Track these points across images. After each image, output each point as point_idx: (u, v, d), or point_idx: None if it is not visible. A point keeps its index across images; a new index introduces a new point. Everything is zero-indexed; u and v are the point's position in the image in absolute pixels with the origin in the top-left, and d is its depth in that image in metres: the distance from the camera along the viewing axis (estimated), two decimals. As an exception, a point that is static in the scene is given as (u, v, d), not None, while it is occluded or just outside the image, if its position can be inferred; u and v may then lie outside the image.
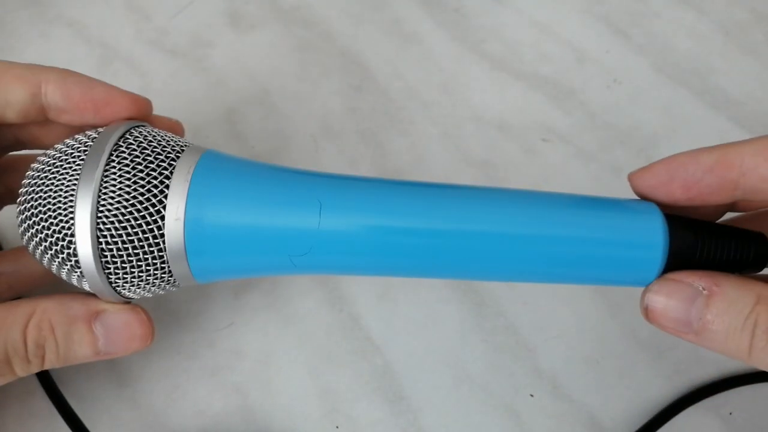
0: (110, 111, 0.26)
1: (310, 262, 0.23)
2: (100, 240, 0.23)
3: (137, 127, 0.25)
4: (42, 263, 0.24)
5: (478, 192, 0.24)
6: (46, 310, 0.24)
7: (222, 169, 0.24)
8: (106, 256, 0.23)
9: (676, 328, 0.23)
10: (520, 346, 0.33)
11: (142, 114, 0.27)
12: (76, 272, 0.23)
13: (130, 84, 0.42)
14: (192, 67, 0.43)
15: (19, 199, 0.24)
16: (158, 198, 0.23)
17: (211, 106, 0.41)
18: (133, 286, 0.24)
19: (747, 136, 0.40)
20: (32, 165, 0.24)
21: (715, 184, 0.23)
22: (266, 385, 0.32)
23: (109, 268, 0.23)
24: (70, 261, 0.23)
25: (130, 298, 0.25)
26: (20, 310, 0.24)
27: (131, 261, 0.23)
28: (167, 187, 0.23)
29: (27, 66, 0.26)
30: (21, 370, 0.25)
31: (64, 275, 0.24)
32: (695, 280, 0.22)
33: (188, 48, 0.44)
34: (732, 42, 0.43)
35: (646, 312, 0.23)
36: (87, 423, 0.31)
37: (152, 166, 0.23)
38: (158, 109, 0.43)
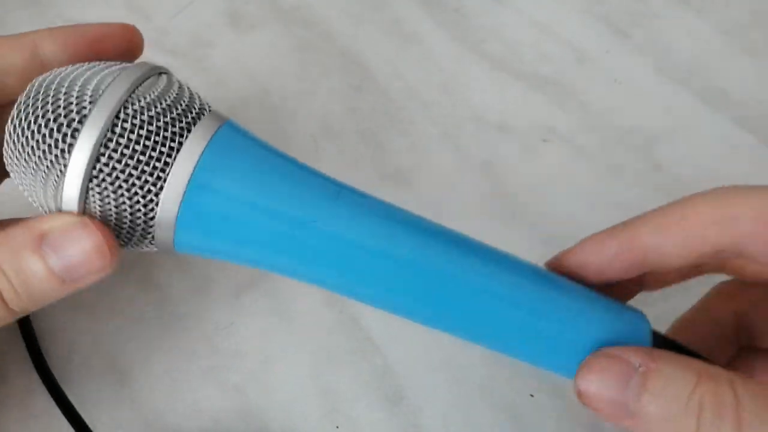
0: (107, 45, 0.27)
1: (290, 263, 0.23)
2: (109, 140, 0.21)
3: (165, 74, 0.25)
4: (13, 148, 0.22)
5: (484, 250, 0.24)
6: None
7: (236, 152, 0.23)
8: (104, 157, 0.21)
9: (612, 412, 0.20)
10: (520, 346, 0.33)
11: (134, 42, 0.28)
12: (61, 161, 0.22)
13: (130, 84, 0.42)
14: (192, 67, 0.43)
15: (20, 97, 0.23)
16: (167, 155, 0.22)
17: (211, 105, 0.41)
18: (109, 203, 0.22)
19: (747, 136, 0.40)
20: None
21: (624, 267, 0.23)
22: (266, 385, 0.32)
23: (97, 175, 0.22)
24: (64, 144, 0.21)
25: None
26: None
27: (125, 177, 0.22)
28: (178, 150, 0.22)
29: (18, 35, 0.26)
30: None
31: (35, 160, 0.22)
32: (630, 355, 0.20)
33: (188, 48, 0.44)
34: (732, 42, 0.43)
35: (579, 395, 0.21)
36: (87, 423, 0.31)
37: (169, 121, 0.23)
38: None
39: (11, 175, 0.24)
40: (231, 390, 0.32)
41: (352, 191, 0.24)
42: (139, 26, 0.45)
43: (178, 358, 0.33)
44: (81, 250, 0.22)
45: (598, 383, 0.20)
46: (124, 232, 0.24)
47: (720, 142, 0.40)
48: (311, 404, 0.32)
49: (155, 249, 0.24)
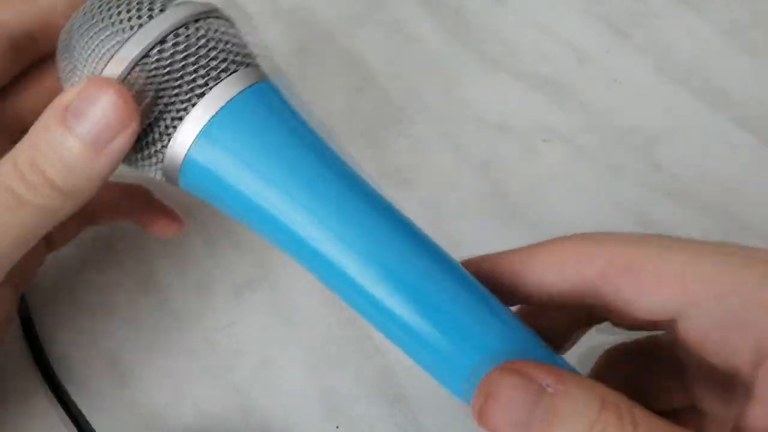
0: None
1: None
2: (176, 35, 0.23)
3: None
4: (83, 16, 0.24)
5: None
6: (28, 135, 0.23)
7: (256, 114, 0.24)
8: (165, 45, 0.23)
9: None
10: (520, 346, 0.33)
11: None
12: (135, 23, 0.23)
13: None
14: (192, 67, 0.43)
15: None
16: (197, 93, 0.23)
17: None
18: (147, 89, 0.23)
19: (747, 136, 0.40)
20: None
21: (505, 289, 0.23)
22: (266, 385, 0.32)
23: (150, 57, 0.23)
24: (142, 16, 0.23)
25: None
26: (13, 151, 0.23)
27: (171, 76, 0.23)
28: (215, 84, 0.23)
29: None
30: (33, 198, 0.23)
31: (108, 19, 0.23)
32: (539, 374, 0.19)
33: (188, 48, 0.44)
34: (732, 42, 0.43)
35: (480, 413, 0.19)
36: (89, 423, 0.31)
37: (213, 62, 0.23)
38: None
39: (59, 53, 0.24)
40: (231, 390, 0.32)
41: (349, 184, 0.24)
42: (139, 26, 0.45)
43: (178, 357, 0.33)
44: (101, 109, 0.22)
45: (505, 401, 0.19)
46: (145, 136, 0.24)
47: (720, 142, 0.40)
48: (311, 404, 0.32)
49: (160, 175, 0.24)
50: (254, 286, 0.35)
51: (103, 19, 0.23)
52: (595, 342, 0.28)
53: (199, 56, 0.23)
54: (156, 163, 0.24)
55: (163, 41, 0.23)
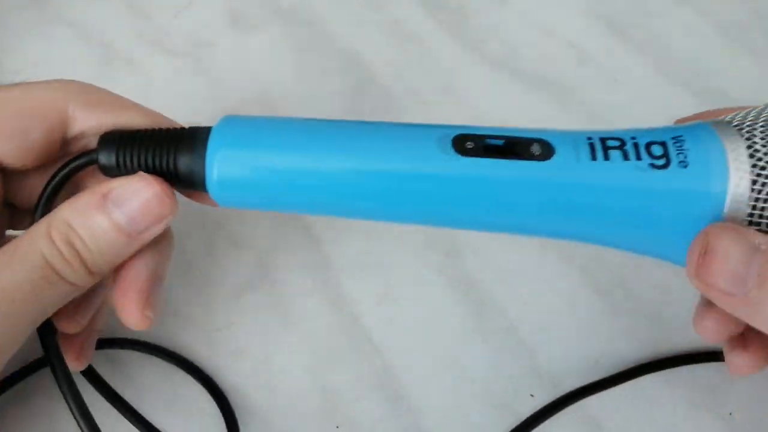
0: None
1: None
2: None
3: None
4: None
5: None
6: (59, 212, 0.24)
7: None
8: None
9: (727, 286, 0.19)
10: (520, 346, 0.33)
11: None
12: None
13: (131, 84, 0.42)
14: (192, 67, 0.43)
15: None
16: None
17: (211, 106, 0.41)
18: None
19: (747, 136, 0.40)
20: None
21: None
22: (266, 385, 0.32)
23: None
24: None
25: None
26: (40, 224, 0.24)
27: None
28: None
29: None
30: (70, 275, 0.23)
31: None
32: (755, 236, 0.19)
33: (188, 48, 0.44)
34: (732, 42, 0.43)
35: (698, 266, 0.20)
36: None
37: None
38: (158, 110, 0.43)
39: None
40: (231, 390, 0.32)
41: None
42: (139, 26, 0.45)
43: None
44: (141, 199, 0.24)
45: (724, 253, 0.19)
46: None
47: (720, 142, 0.40)
48: (311, 404, 0.32)
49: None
50: (254, 286, 0.35)
51: None
52: None
53: None
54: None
55: None
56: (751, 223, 0.20)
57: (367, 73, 0.42)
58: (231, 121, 0.24)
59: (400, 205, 0.23)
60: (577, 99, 0.41)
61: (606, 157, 0.21)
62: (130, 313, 0.25)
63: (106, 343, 0.33)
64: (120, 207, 0.23)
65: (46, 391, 0.32)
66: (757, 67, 0.42)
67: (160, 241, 0.26)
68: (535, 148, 0.22)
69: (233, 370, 0.33)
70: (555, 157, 0.21)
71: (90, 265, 0.24)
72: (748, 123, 0.21)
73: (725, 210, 0.20)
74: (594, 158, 0.21)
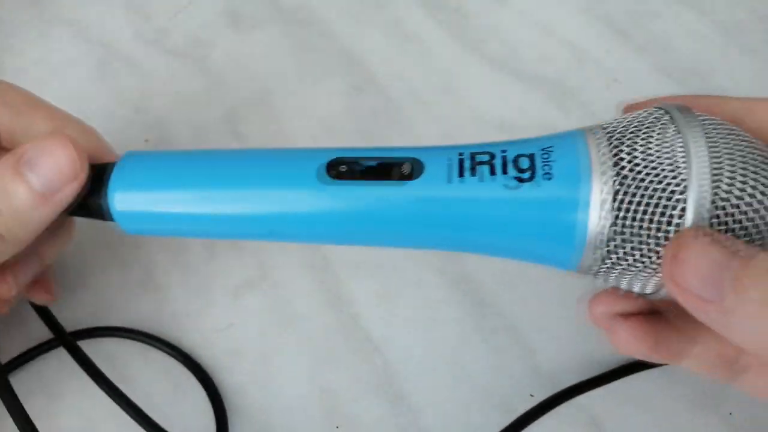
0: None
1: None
2: None
3: None
4: None
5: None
6: None
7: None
8: None
9: (701, 291, 0.18)
10: (520, 346, 0.33)
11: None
12: None
13: (130, 84, 0.42)
14: (192, 67, 0.43)
15: None
16: None
17: (211, 106, 0.41)
18: None
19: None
20: None
21: None
22: (266, 385, 0.32)
23: None
24: None
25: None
26: None
27: None
28: None
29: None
30: None
31: None
32: (734, 243, 0.19)
33: (188, 48, 0.44)
34: (732, 42, 0.43)
35: (674, 261, 0.19)
36: (87, 424, 0.31)
37: None
38: (158, 110, 0.43)
39: None
40: (231, 390, 0.32)
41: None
42: (139, 26, 0.45)
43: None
44: (54, 161, 0.24)
45: (698, 257, 0.19)
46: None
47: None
48: (311, 404, 0.32)
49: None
50: (254, 286, 0.35)
51: None
52: None
53: None
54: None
55: None
56: (615, 231, 0.21)
57: (367, 73, 0.42)
58: (130, 159, 0.26)
59: (285, 229, 0.25)
60: (577, 99, 0.41)
61: (473, 173, 0.22)
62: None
63: (106, 331, 0.34)
64: (33, 168, 0.24)
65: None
66: (757, 66, 0.42)
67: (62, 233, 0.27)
68: (406, 168, 0.23)
69: (233, 370, 0.33)
70: (423, 176, 0.22)
71: (3, 231, 0.24)
72: (618, 132, 0.21)
73: (589, 218, 0.21)
74: (461, 175, 0.22)
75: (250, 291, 0.35)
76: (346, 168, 0.23)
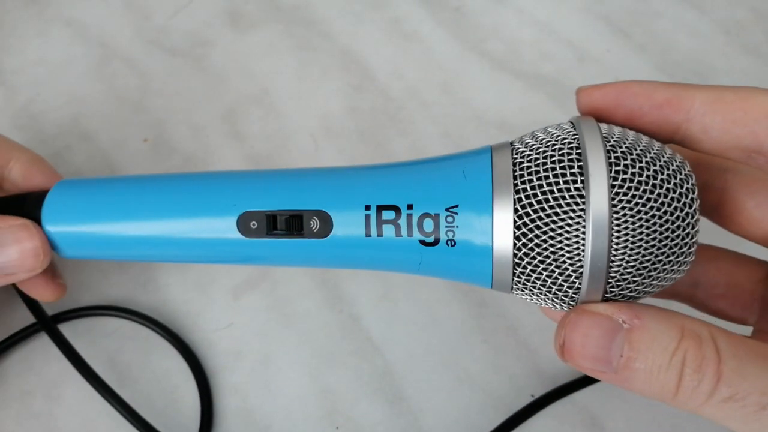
0: None
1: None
2: None
3: None
4: None
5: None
6: None
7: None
8: None
9: (594, 368, 0.20)
10: (521, 347, 0.33)
11: None
12: None
13: (130, 84, 0.42)
14: (191, 67, 0.43)
15: None
16: None
17: (210, 106, 0.41)
18: None
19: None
20: None
21: (658, 122, 0.22)
22: (266, 385, 0.32)
23: None
24: None
25: None
26: None
27: None
28: None
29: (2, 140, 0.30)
30: None
31: None
32: (615, 312, 0.20)
33: (188, 47, 0.44)
34: (733, 41, 0.43)
35: (562, 350, 0.21)
36: (87, 424, 0.31)
37: None
38: (157, 109, 0.43)
39: None
40: (231, 390, 0.32)
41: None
42: (139, 26, 0.45)
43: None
44: (19, 250, 0.26)
45: (582, 341, 0.20)
46: None
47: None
48: (311, 404, 0.32)
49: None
50: (253, 287, 0.35)
51: None
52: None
53: None
54: None
55: None
56: (519, 288, 0.22)
57: (367, 73, 0.42)
58: (61, 187, 0.28)
59: (208, 259, 0.28)
60: (578, 98, 0.41)
61: (379, 233, 0.23)
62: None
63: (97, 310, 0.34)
64: None
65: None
66: (757, 66, 0.42)
67: None
68: (314, 224, 0.23)
69: (233, 370, 0.33)
70: (332, 236, 0.23)
71: None
72: (528, 194, 0.21)
73: (493, 275, 0.22)
74: (368, 234, 0.23)
75: (250, 291, 0.35)
76: (256, 225, 0.24)
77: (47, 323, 0.32)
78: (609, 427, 0.31)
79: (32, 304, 0.32)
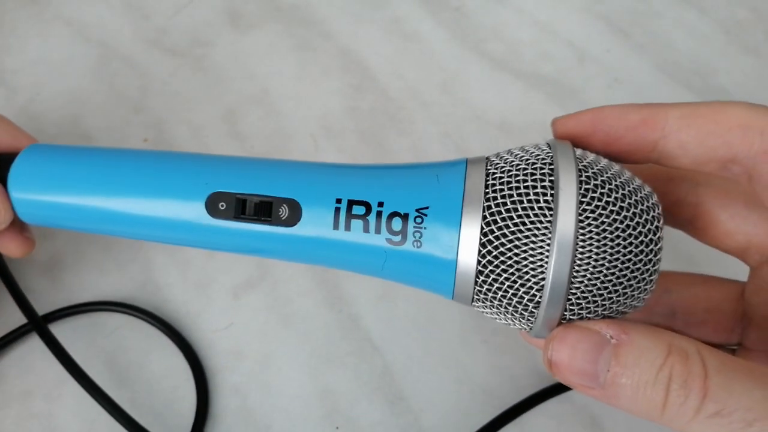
0: None
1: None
2: None
3: None
4: None
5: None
6: None
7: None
8: None
9: (581, 383, 0.20)
10: (521, 347, 0.33)
11: None
12: None
13: (129, 84, 0.42)
14: (191, 67, 0.43)
15: None
16: None
17: (210, 106, 0.41)
18: None
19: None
20: None
21: (635, 143, 0.22)
22: (266, 385, 0.32)
23: None
24: None
25: None
26: None
27: None
28: None
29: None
30: None
31: None
32: (603, 328, 0.20)
33: (187, 47, 0.44)
34: (733, 41, 0.43)
35: (550, 365, 0.21)
36: (86, 424, 0.31)
37: None
38: (157, 109, 0.43)
39: None
40: (231, 390, 0.32)
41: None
42: (139, 25, 0.45)
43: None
44: None
45: (570, 355, 0.20)
46: None
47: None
48: (311, 404, 0.32)
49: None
50: (253, 287, 0.35)
51: None
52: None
53: None
54: None
55: None
56: (480, 300, 0.22)
57: (366, 73, 0.42)
58: (31, 152, 0.28)
59: (168, 239, 0.27)
60: (578, 98, 0.41)
61: (347, 227, 0.23)
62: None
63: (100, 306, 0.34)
64: None
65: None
66: (758, 66, 0.42)
67: None
68: (283, 211, 0.23)
69: (233, 370, 0.33)
70: (300, 224, 0.23)
71: None
72: (497, 206, 0.21)
73: (455, 288, 0.22)
74: (336, 227, 0.23)
75: (250, 291, 0.35)
76: (224, 206, 0.24)
77: (37, 323, 0.32)
78: (608, 426, 0.31)
79: (24, 304, 0.32)
